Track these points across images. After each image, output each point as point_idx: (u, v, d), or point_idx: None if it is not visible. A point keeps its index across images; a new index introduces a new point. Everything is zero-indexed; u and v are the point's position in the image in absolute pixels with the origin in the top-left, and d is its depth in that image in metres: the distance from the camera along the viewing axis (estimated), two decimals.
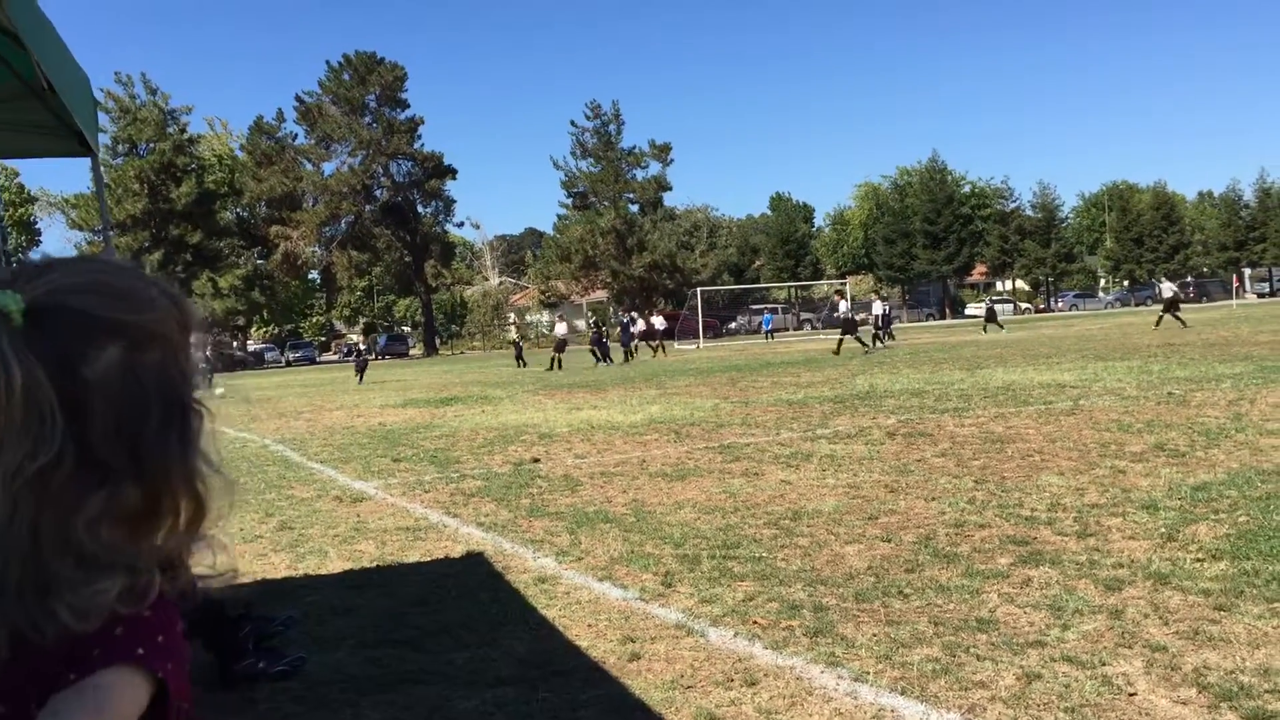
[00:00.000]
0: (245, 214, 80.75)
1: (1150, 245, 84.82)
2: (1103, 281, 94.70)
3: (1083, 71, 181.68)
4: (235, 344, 75.61)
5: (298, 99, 78.79)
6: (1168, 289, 32.81)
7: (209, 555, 1.07)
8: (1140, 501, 6.52)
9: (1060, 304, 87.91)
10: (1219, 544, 5.34)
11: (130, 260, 1.07)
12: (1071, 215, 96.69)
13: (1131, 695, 3.51)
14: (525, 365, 37.36)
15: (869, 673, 3.88)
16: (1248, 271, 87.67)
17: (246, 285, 75.56)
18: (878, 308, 38.88)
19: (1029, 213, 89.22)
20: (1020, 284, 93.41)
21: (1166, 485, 6.98)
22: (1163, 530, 5.74)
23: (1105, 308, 79.98)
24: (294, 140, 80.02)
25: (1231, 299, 68.16)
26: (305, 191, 77.55)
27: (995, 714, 3.44)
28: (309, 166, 78.68)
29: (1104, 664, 3.79)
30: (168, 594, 1.03)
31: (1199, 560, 5.09)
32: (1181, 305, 33.55)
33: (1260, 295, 79.87)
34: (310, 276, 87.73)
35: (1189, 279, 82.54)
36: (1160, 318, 31.75)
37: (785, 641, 4.32)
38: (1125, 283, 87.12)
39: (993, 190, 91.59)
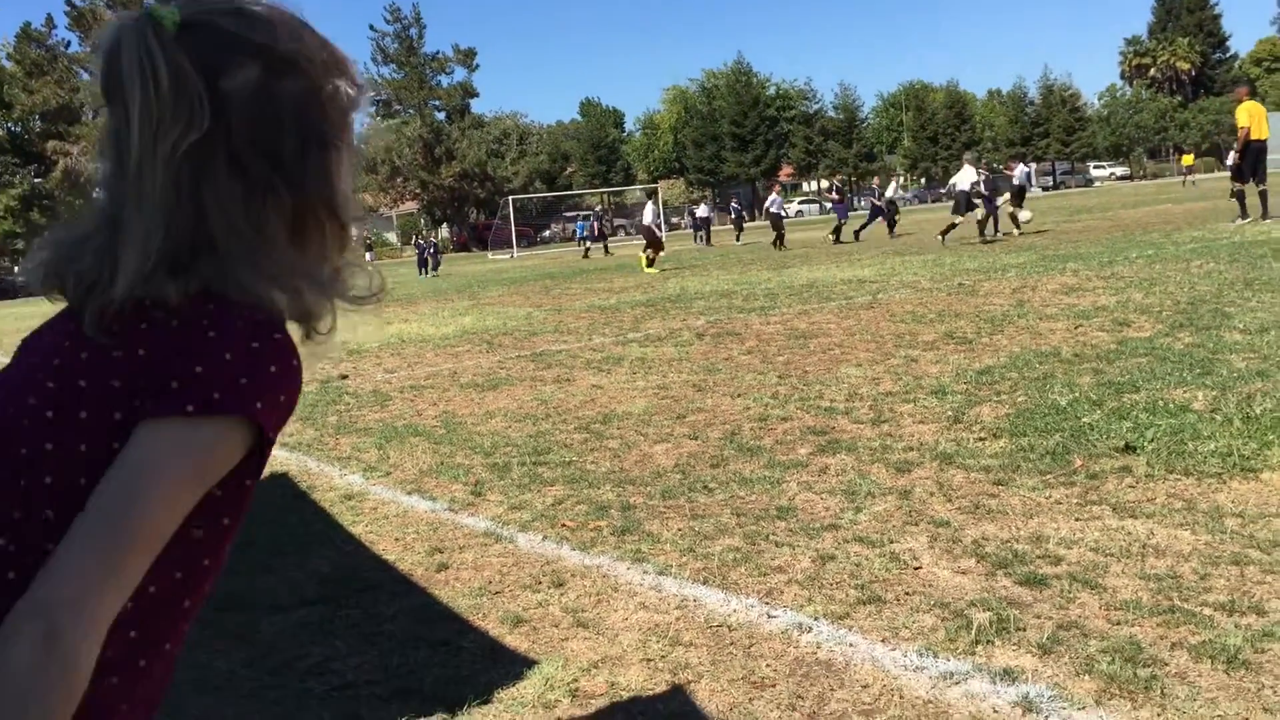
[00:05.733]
0: (18, 129, 74.94)
1: (944, 143, 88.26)
2: (902, 179, 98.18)
3: None
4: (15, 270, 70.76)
5: (69, 3, 73.24)
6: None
7: (358, 277, 1.22)
8: (930, 387, 6.84)
9: (861, 202, 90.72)
10: (999, 423, 5.66)
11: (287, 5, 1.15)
12: (871, 115, 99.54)
13: (917, 569, 3.70)
14: None
15: (673, 566, 3.97)
16: (1033, 166, 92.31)
17: (24, 206, 70.42)
18: (702, 210, 39.71)
19: (832, 114, 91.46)
20: (824, 183, 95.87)
21: (954, 371, 7.34)
22: (949, 413, 6.04)
23: (904, 205, 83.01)
24: (66, 48, 74.42)
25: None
26: (84, 104, 72.41)
27: (791, 596, 3.57)
28: (86, 77, 73.28)
29: (892, 541, 3.99)
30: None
31: (981, 440, 5.39)
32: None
33: (1044, 189, 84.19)
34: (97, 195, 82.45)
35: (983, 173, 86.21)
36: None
37: (593, 542, 4.37)
38: (922, 180, 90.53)
39: (797, 92, 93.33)
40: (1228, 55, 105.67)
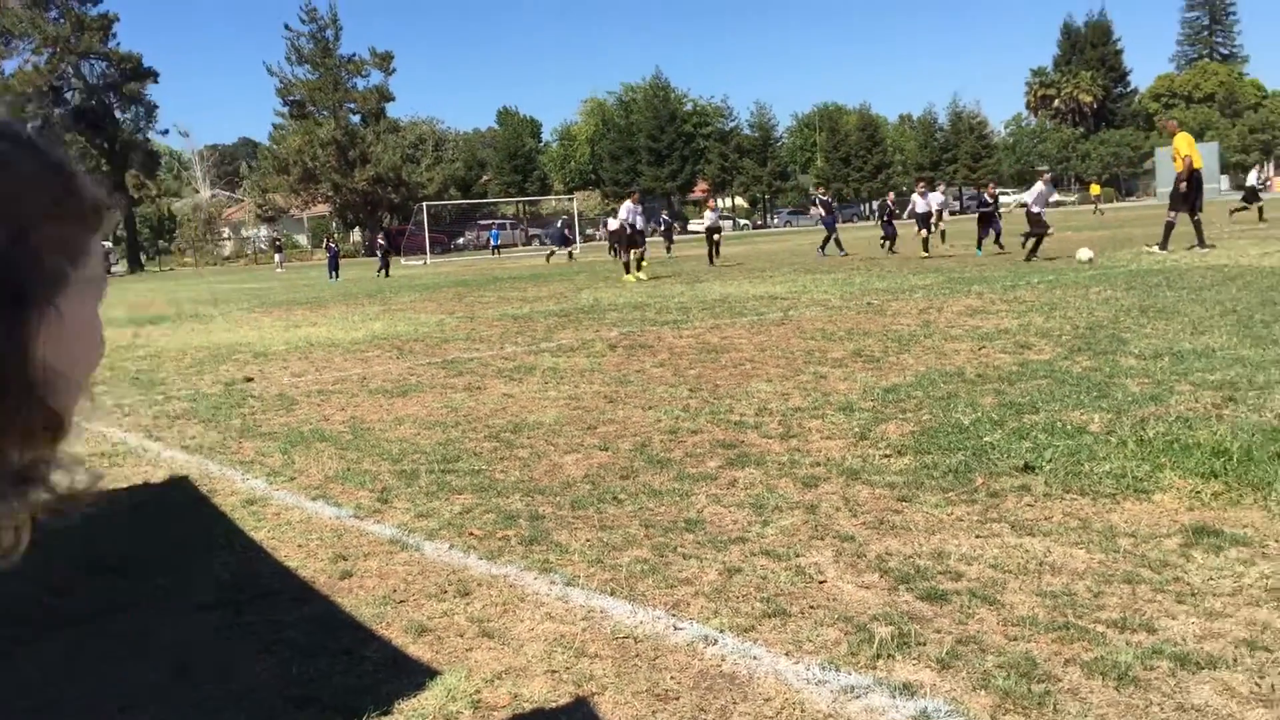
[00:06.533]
0: None
1: (857, 165, 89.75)
2: (814, 198, 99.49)
3: None
4: None
5: None
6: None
7: (64, 477, 0.91)
8: (838, 404, 6.94)
9: (775, 220, 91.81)
10: (904, 440, 5.76)
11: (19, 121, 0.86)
12: (786, 135, 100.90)
13: (822, 583, 3.74)
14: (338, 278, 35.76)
15: (580, 576, 3.96)
16: (942, 189, 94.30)
17: None
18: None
19: (747, 131, 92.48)
20: (739, 201, 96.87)
21: (862, 388, 7.46)
22: (856, 430, 6.13)
23: (816, 224, 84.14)
24: None
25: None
26: None
27: (698, 608, 3.59)
28: None
29: (798, 555, 4.03)
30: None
31: (886, 456, 5.47)
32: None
33: (951, 213, 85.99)
34: None
35: (892, 195, 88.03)
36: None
37: (500, 551, 4.34)
38: (816, 202, 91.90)
39: (713, 109, 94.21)
40: (1128, 90, 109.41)
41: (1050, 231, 20.23)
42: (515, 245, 70.15)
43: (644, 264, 23.86)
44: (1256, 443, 5.02)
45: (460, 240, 76.84)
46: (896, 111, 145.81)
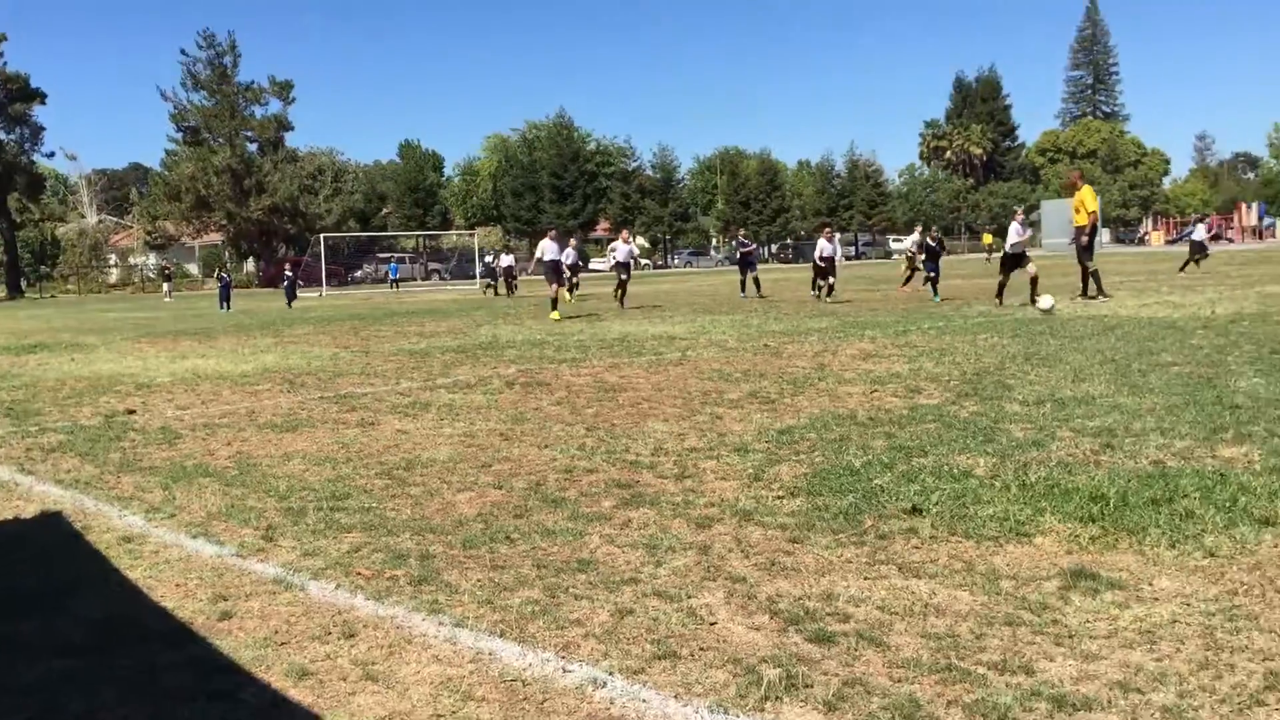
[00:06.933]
0: None
1: (756, 208, 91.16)
2: (714, 240, 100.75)
3: (701, 42, 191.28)
4: None
5: None
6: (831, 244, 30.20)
7: None
8: (733, 445, 6.99)
9: (676, 261, 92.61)
10: (797, 482, 5.83)
11: None
12: (688, 177, 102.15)
13: (713, 624, 3.74)
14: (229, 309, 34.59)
15: (470, 617, 3.90)
16: (838, 236, 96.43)
17: None
18: (505, 259, 39.75)
19: (649, 173, 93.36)
20: (641, 241, 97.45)
21: (757, 429, 7.53)
22: (750, 471, 6.18)
23: (716, 265, 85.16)
24: None
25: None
26: None
27: (588, 650, 3.56)
28: None
29: (690, 596, 4.03)
30: None
31: (779, 497, 5.52)
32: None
33: (848, 258, 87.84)
34: None
35: (788, 241, 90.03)
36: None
37: (388, 591, 4.25)
38: (734, 242, 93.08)
39: (616, 149, 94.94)
40: (1016, 144, 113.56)
41: (1029, 267, 18.96)
42: (415, 279, 69.42)
43: (570, 297, 23.07)
44: (1132, 488, 5.19)
45: (358, 273, 75.80)
46: (795, 157, 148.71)
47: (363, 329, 21.35)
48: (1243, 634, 3.42)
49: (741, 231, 31.27)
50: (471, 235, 69.45)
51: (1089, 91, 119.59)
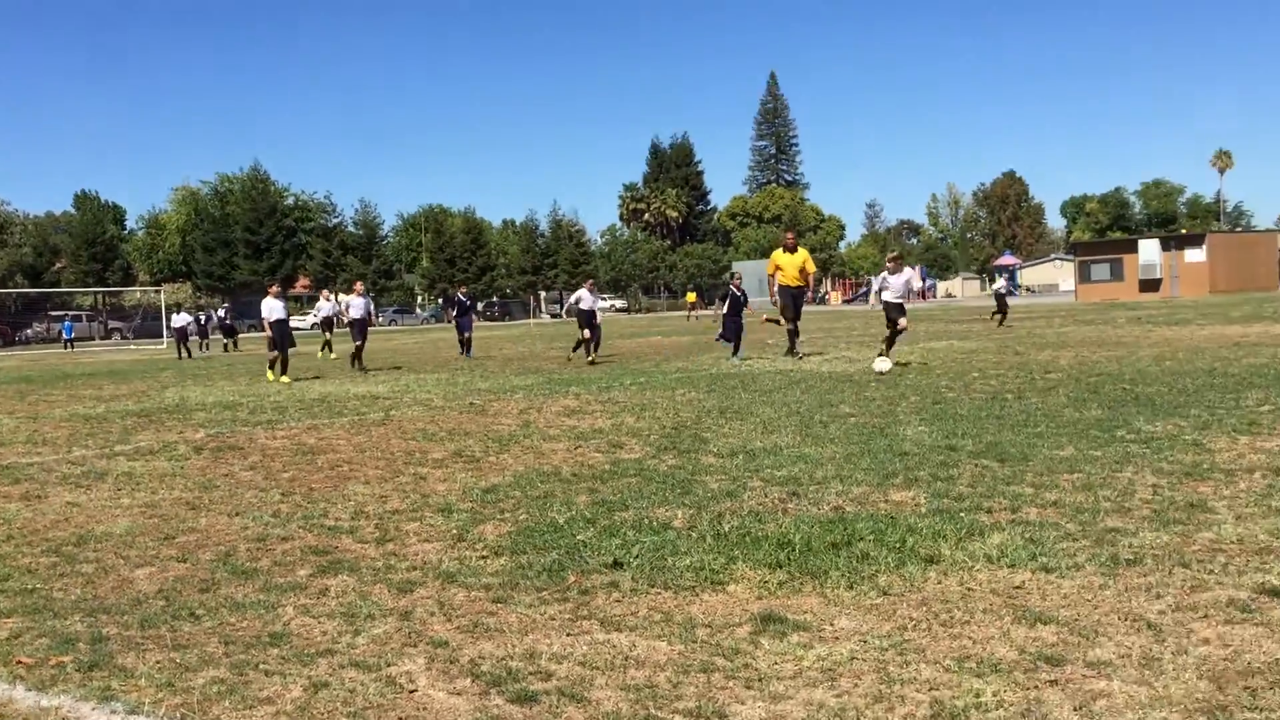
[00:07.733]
0: None
1: (462, 265, 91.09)
2: (420, 298, 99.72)
3: (406, 98, 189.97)
4: None
5: None
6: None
7: None
8: (437, 505, 6.89)
9: (381, 319, 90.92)
10: (502, 541, 5.80)
11: None
12: (391, 234, 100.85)
13: (412, 692, 3.64)
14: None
15: (146, 703, 3.61)
16: (543, 294, 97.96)
17: None
18: (179, 319, 37.98)
19: (351, 229, 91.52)
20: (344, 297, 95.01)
21: (461, 489, 7.46)
22: (454, 531, 6.11)
23: (421, 323, 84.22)
24: None
25: (530, 318, 75.90)
26: None
27: None
28: None
29: (390, 665, 3.91)
30: None
31: (484, 557, 5.48)
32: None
33: (553, 316, 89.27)
34: None
35: (494, 299, 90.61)
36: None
37: (54, 680, 3.87)
38: (439, 300, 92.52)
39: (316, 204, 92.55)
40: (709, 208, 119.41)
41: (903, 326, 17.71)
42: (93, 339, 64.48)
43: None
44: (815, 534, 5.51)
45: (28, 332, 69.67)
46: (500, 216, 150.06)
47: (30, 393, 19.59)
48: (912, 666, 3.68)
49: (462, 289, 29.70)
50: (158, 291, 65.42)
51: (773, 160, 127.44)
